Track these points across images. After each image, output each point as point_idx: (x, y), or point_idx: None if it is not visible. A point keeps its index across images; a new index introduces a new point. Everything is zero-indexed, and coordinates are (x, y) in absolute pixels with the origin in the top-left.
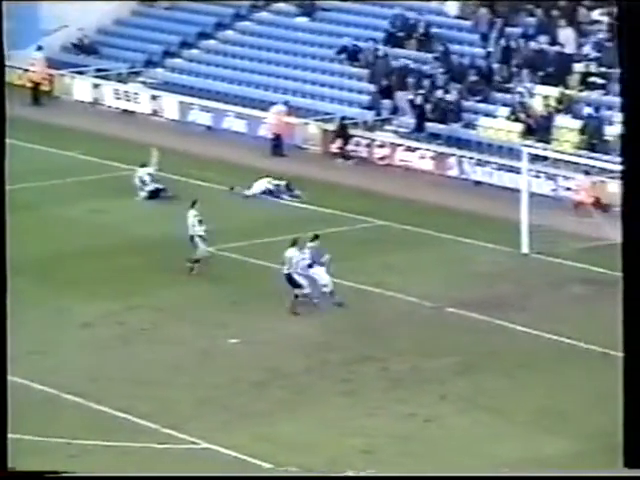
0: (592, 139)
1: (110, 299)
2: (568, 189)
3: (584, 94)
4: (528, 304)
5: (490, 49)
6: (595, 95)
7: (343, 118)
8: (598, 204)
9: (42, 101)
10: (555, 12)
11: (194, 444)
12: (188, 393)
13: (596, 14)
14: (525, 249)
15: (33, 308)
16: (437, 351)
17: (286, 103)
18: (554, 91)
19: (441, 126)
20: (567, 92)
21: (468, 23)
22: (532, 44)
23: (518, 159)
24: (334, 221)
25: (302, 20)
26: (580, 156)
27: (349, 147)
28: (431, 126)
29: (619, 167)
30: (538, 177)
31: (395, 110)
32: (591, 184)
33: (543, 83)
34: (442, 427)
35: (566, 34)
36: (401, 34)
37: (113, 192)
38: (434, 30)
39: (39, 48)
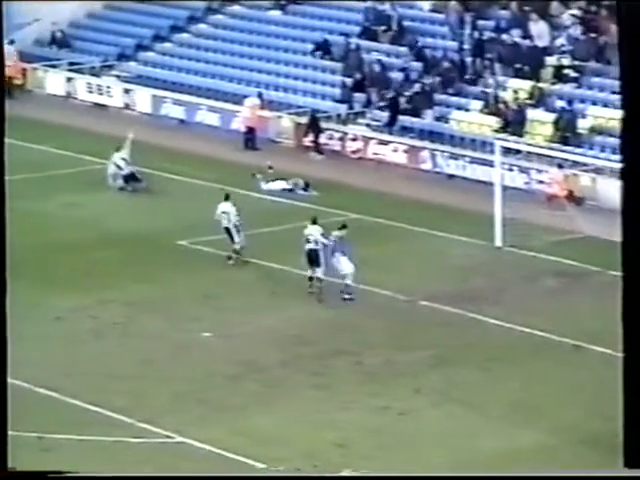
0: (565, 132)
1: (83, 293)
2: (541, 182)
3: (557, 87)
4: (501, 297)
5: (463, 42)
6: (568, 88)
7: (314, 111)
8: (571, 197)
9: (15, 95)
10: (528, 6)
11: (169, 438)
12: (162, 387)
13: (570, 8)
14: (498, 242)
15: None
16: (411, 344)
17: (259, 95)
18: (527, 84)
19: (414, 119)
20: (540, 85)
21: (441, 16)
22: (505, 37)
23: (491, 152)
24: (307, 214)
25: (275, 13)
26: (553, 149)
27: (321, 140)
28: (404, 119)
29: (592, 161)
30: (511, 170)
31: (368, 103)
32: (564, 177)
33: (516, 76)
34: (416, 420)
35: (539, 27)
36: (374, 27)
37: (86, 186)
38: (407, 23)
39: (11, 42)
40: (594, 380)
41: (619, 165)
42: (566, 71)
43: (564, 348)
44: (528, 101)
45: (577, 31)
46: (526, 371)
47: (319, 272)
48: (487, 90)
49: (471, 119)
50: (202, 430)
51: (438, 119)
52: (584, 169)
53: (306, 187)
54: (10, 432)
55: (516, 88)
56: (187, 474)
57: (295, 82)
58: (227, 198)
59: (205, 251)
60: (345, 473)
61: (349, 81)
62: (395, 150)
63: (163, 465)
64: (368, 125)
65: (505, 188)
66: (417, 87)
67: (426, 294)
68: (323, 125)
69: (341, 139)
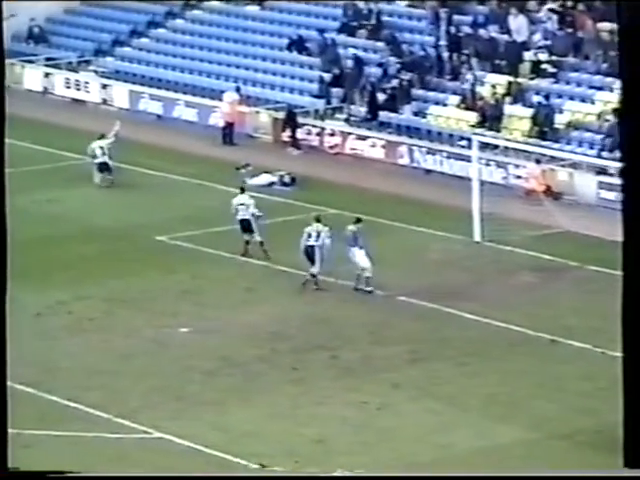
0: (542, 127)
1: (61, 289)
2: (519, 177)
3: (534, 82)
4: (479, 292)
5: (440, 37)
6: (545, 83)
7: (291, 106)
8: (549, 192)
9: None
10: (507, 1)
11: (146, 433)
12: (140, 382)
13: (547, 3)
14: (477, 237)
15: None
16: (388, 339)
17: (237, 90)
18: (505, 79)
19: (392, 115)
20: (518, 80)
21: (419, 11)
22: (482, 32)
23: (469, 147)
24: (285, 210)
25: (253, 9)
26: (530, 144)
27: (298, 135)
28: (382, 114)
29: (570, 156)
30: (489, 165)
31: (345, 98)
32: (541, 172)
33: (494, 71)
34: (394, 415)
35: (518, 22)
36: (353, 23)
37: (64, 181)
38: (385, 19)
39: None
40: (572, 375)
41: (596, 160)
42: (544, 66)
43: (541, 343)
44: (506, 96)
45: (554, 26)
46: (503, 366)
47: (314, 269)
48: (465, 85)
49: (449, 114)
50: (180, 426)
51: (416, 114)
52: (561, 164)
53: (292, 182)
54: None
55: (494, 83)
56: (165, 469)
57: (273, 77)
58: (243, 191)
59: (184, 247)
60: (338, 473)
61: (327, 76)
62: (373, 145)
63: (141, 461)
64: (347, 120)
65: (483, 183)
66: (395, 82)
67: (404, 289)
68: (301, 120)
69: (319, 134)
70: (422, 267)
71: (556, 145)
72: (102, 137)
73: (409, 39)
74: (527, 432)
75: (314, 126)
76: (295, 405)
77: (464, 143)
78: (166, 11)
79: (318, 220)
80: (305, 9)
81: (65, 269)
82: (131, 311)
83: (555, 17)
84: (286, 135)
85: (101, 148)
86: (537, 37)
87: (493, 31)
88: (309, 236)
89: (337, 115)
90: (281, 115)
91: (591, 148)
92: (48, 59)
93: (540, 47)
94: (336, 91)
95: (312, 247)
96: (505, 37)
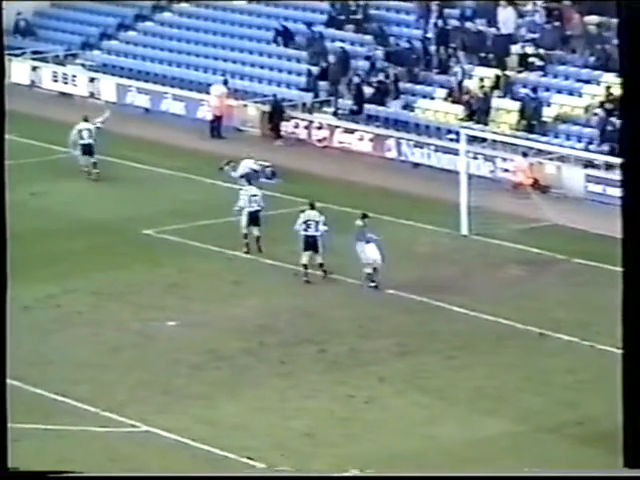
0: (530, 121)
1: (49, 282)
2: (506, 170)
3: (522, 76)
4: (467, 285)
5: (428, 30)
6: (533, 77)
7: (275, 97)
8: (536, 185)
9: None
10: None
11: (134, 427)
12: (127, 376)
13: None
14: (464, 230)
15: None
16: (376, 333)
17: (225, 83)
18: (492, 73)
19: (380, 108)
20: (505, 73)
21: (406, 4)
22: (470, 25)
23: (456, 141)
24: (273, 203)
25: (240, 2)
26: (518, 137)
27: (282, 126)
28: (369, 108)
29: (557, 149)
30: (476, 159)
31: (335, 92)
32: (529, 165)
33: (481, 64)
34: (381, 409)
35: (505, 14)
36: (340, 16)
37: (52, 175)
38: (372, 12)
39: None
40: (559, 368)
41: (584, 154)
42: (531, 59)
43: (529, 336)
44: (494, 90)
45: (542, 19)
46: (491, 359)
47: (319, 258)
48: (452, 79)
49: (436, 107)
50: (167, 419)
51: (403, 107)
52: (549, 157)
53: (272, 175)
54: None
55: (482, 76)
56: (153, 463)
57: (261, 71)
58: (313, 207)
59: (171, 240)
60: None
61: (315, 69)
62: (361, 139)
63: (129, 455)
64: (335, 113)
65: (470, 176)
66: (382, 76)
67: (392, 282)
68: (289, 114)
69: (307, 127)
70: (410, 260)
71: (544, 138)
72: (86, 120)
73: (397, 32)
74: (514, 425)
75: (302, 119)
76: (283, 398)
77: (452, 136)
78: (153, 4)
79: (312, 207)
80: (292, 2)
81: (52, 263)
82: (118, 304)
83: (543, 10)
84: (268, 127)
85: (89, 131)
86: (525, 30)
87: (480, 24)
88: (308, 226)
89: (325, 108)
90: (268, 108)
91: (579, 141)
92: (35, 52)
93: (527, 40)
94: (324, 84)
95: (314, 237)
96: (493, 30)
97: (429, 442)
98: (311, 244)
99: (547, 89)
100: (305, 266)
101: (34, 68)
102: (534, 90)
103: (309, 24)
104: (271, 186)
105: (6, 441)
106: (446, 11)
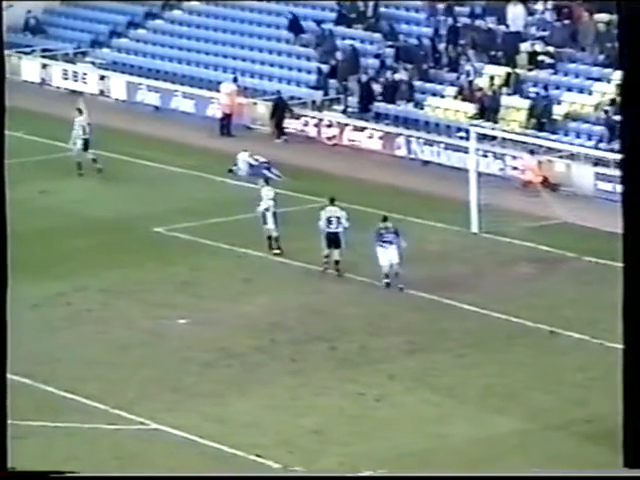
0: (540, 118)
1: (58, 280)
2: (516, 168)
3: (532, 74)
4: (477, 283)
5: (439, 29)
6: (543, 74)
7: (279, 94)
8: (546, 183)
9: None
10: None
11: (143, 425)
12: (137, 374)
13: None
14: (474, 228)
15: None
16: (386, 330)
17: (235, 80)
18: (502, 71)
19: (389, 106)
20: (516, 71)
21: (416, 2)
22: (480, 23)
23: (466, 139)
24: (283, 201)
25: (250, 0)
26: (528, 135)
27: (286, 124)
28: (379, 106)
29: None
30: (486, 157)
31: (345, 90)
32: (537, 163)
33: (491, 62)
34: (391, 406)
35: (515, 11)
36: (350, 14)
37: (61, 173)
38: (382, 10)
39: None
40: (569, 366)
41: (594, 152)
42: (541, 57)
43: (540, 334)
44: (504, 87)
45: (552, 17)
46: (501, 357)
47: (337, 254)
48: (462, 76)
49: (446, 105)
50: (177, 417)
51: (413, 105)
52: (559, 155)
53: (268, 168)
54: None
55: (492, 74)
56: (162, 461)
57: (270, 69)
58: (333, 202)
59: (182, 238)
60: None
61: (325, 67)
62: (370, 137)
63: (138, 452)
64: (344, 111)
65: (480, 174)
66: (392, 74)
67: (402, 280)
68: (296, 111)
69: (316, 125)
70: (420, 258)
71: (554, 136)
72: (80, 112)
73: (406, 30)
74: (523, 423)
75: (312, 117)
76: (293, 396)
77: (462, 134)
78: (163, 2)
79: (332, 203)
80: (302, 1)
81: (62, 261)
82: (129, 302)
83: (552, 8)
84: (274, 123)
85: (88, 125)
86: (534, 28)
87: (491, 22)
88: (329, 222)
89: (334, 106)
90: (271, 105)
91: (589, 139)
92: (45, 50)
93: (537, 38)
94: (333, 82)
95: (336, 234)
96: (502, 28)
97: (439, 440)
98: (333, 241)
99: (557, 87)
100: (327, 256)
101: (44, 66)
102: (545, 88)
103: (319, 22)
104: (281, 184)
105: (6, 441)
106: (456, 9)
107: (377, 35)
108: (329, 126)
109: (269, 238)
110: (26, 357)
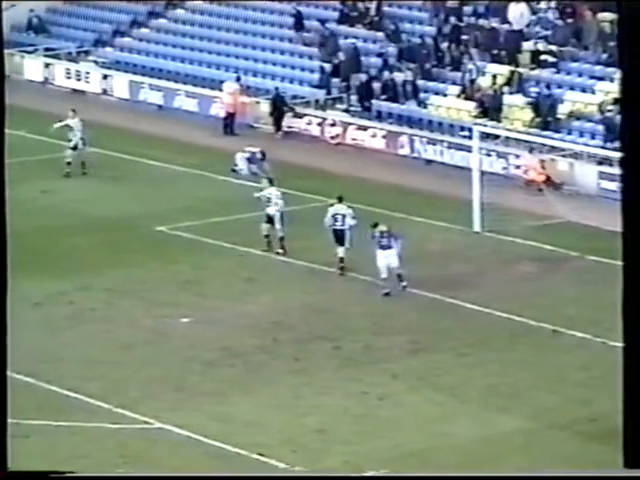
0: (544, 117)
1: (61, 279)
2: (519, 167)
3: (535, 72)
4: (480, 282)
5: (441, 28)
6: (546, 73)
7: (277, 90)
8: (549, 182)
9: None
10: None
11: (147, 424)
12: (140, 373)
13: None
14: (477, 227)
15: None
16: (389, 330)
17: (238, 80)
18: (505, 69)
19: (392, 105)
20: (519, 70)
21: (419, 2)
22: (483, 22)
23: (469, 138)
24: (286, 200)
25: None
26: (531, 134)
27: (284, 120)
28: (383, 105)
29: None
30: (489, 155)
31: (347, 89)
32: (539, 162)
33: (494, 61)
34: (395, 406)
35: (518, 9)
36: (352, 13)
37: (63, 172)
38: (385, 9)
39: None
40: (572, 365)
41: (597, 150)
42: (544, 56)
43: (543, 333)
44: (507, 86)
45: (554, 16)
46: (504, 356)
47: (341, 251)
48: (465, 75)
49: (449, 104)
50: (180, 416)
51: (416, 104)
52: (562, 154)
53: (263, 157)
54: None
55: (495, 73)
56: (166, 460)
57: (273, 68)
58: (341, 200)
59: (184, 237)
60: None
61: (327, 67)
62: (374, 135)
63: (141, 451)
64: (347, 110)
65: (483, 173)
66: (395, 73)
67: (405, 279)
68: (293, 108)
69: (320, 124)
70: (423, 258)
71: (557, 135)
72: (74, 112)
73: (409, 29)
74: (527, 422)
75: (315, 116)
76: (296, 395)
77: (465, 133)
78: (166, 1)
79: (340, 200)
80: (305, 0)
81: (65, 260)
82: (132, 301)
83: (555, 7)
84: (272, 120)
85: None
86: (537, 27)
87: (494, 21)
88: (335, 220)
89: (338, 105)
90: (270, 102)
91: (592, 138)
92: (48, 49)
93: (540, 37)
94: (336, 81)
95: (342, 231)
96: (506, 27)
97: (442, 439)
98: (339, 238)
99: (560, 86)
100: (341, 258)
101: (47, 65)
102: (548, 87)
103: (323, 21)
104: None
105: (6, 442)
106: (459, 8)
107: (380, 34)
108: (332, 125)
109: (267, 237)
110: (29, 356)
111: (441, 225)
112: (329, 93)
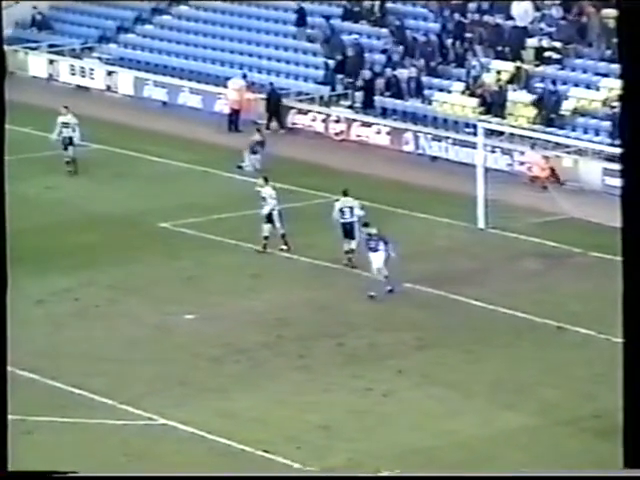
0: (548, 114)
1: (65, 275)
2: (523, 164)
3: (540, 69)
4: (484, 279)
5: (446, 24)
6: (551, 70)
7: (272, 85)
8: (553, 178)
9: None
10: None
11: (151, 420)
12: (144, 369)
13: None
14: (481, 224)
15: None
16: (393, 326)
17: (244, 77)
18: (509, 66)
19: (397, 101)
20: (523, 67)
21: None
22: (487, 19)
23: (474, 134)
24: (290, 197)
25: None
26: (535, 131)
27: (279, 118)
28: (387, 101)
29: (575, 142)
30: (494, 152)
31: (351, 85)
32: (543, 158)
33: (498, 58)
34: (399, 402)
35: (522, 6)
36: (356, 9)
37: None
38: (389, 5)
39: None
40: (577, 361)
41: (601, 147)
42: (548, 53)
43: (547, 329)
44: (511, 83)
45: (559, 13)
46: (509, 353)
47: (353, 244)
48: (470, 72)
49: (454, 101)
50: (185, 412)
51: (421, 101)
52: (566, 151)
53: (262, 145)
54: None
55: (499, 70)
56: (170, 456)
57: (278, 64)
58: (346, 194)
59: (188, 233)
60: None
61: (332, 63)
62: (378, 132)
63: (145, 447)
64: (351, 107)
65: (488, 170)
66: (393, 70)
67: (409, 276)
68: (306, 107)
69: (324, 121)
70: (427, 254)
71: (561, 132)
72: (67, 109)
73: (413, 25)
74: (532, 419)
75: (319, 113)
76: (300, 392)
77: (469, 130)
78: None
79: (346, 194)
80: None
81: (69, 256)
82: (136, 298)
83: (559, 4)
84: (268, 115)
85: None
86: (541, 23)
87: (499, 17)
88: (343, 213)
89: (342, 102)
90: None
91: (596, 135)
92: (52, 46)
93: (544, 34)
94: (341, 78)
95: (351, 224)
96: (510, 23)
97: (446, 436)
98: (349, 231)
99: (564, 82)
100: (347, 252)
101: (51, 62)
102: (553, 83)
103: (327, 17)
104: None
105: (6, 442)
106: (464, 4)
107: (384, 30)
108: (337, 121)
109: (266, 238)
110: (34, 352)
111: (445, 221)
112: (333, 90)
